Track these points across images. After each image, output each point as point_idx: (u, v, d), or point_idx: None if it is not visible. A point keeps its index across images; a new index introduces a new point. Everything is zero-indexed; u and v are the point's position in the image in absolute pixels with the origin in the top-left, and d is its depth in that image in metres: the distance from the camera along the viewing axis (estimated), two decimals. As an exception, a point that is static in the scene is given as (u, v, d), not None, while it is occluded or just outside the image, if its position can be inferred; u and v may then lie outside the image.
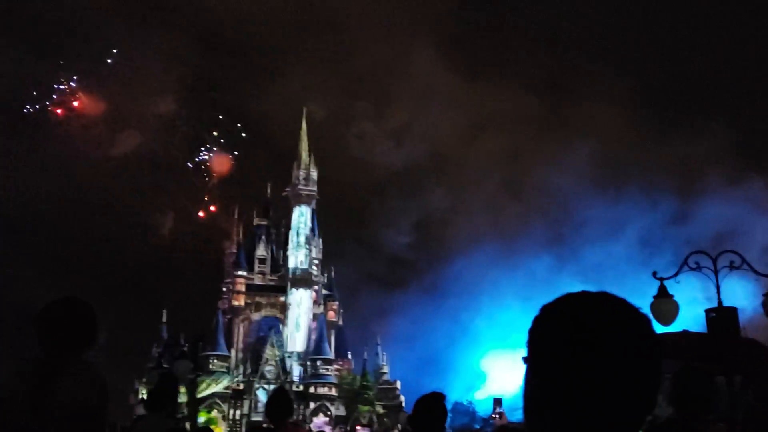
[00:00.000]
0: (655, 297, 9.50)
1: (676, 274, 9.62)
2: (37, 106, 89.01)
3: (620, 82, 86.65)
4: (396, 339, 76.57)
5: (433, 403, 4.82)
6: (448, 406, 4.91)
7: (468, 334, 77.95)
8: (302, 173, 73.44)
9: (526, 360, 1.37)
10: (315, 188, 73.39)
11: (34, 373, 3.48)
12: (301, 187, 72.76)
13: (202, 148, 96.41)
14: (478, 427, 63.78)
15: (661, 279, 9.60)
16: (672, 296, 9.48)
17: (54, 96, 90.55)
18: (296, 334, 68.78)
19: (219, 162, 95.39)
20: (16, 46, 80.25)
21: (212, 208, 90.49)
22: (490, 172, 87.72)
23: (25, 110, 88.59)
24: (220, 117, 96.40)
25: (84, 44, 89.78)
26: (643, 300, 9.55)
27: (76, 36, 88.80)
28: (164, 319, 68.06)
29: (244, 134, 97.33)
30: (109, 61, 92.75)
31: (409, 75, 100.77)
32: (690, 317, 9.72)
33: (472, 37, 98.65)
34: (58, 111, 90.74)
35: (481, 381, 74.25)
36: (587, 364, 1.26)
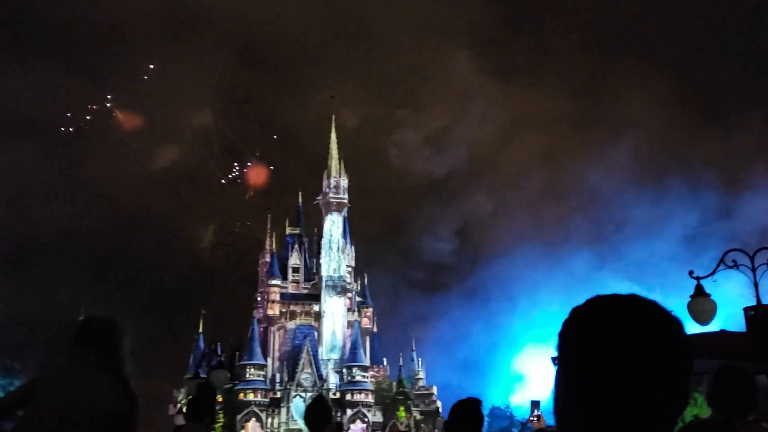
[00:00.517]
0: (691, 296, 9.36)
1: (712, 273, 9.48)
2: (71, 128, 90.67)
3: (658, 78, 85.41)
4: (436, 343, 76.27)
5: (469, 409, 4.83)
6: (485, 411, 4.91)
7: (507, 337, 77.31)
8: (332, 181, 73.62)
9: (555, 360, 1.39)
10: (346, 196, 73.47)
11: (66, 379, 3.63)
12: (331, 195, 72.93)
13: (235, 163, 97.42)
14: (516, 431, 63.28)
15: (698, 278, 9.46)
16: (709, 295, 9.33)
17: (88, 117, 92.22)
18: (331, 341, 68.96)
19: (255, 174, 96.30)
20: (50, 67, 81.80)
21: (248, 223, 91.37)
22: (530, 173, 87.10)
23: (62, 130, 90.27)
24: (255, 129, 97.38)
25: (120, 61, 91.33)
26: (686, 298, 9.42)
27: (112, 53, 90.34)
28: (201, 328, 68.71)
29: (278, 145, 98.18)
30: (145, 77, 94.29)
31: (444, 79, 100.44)
32: (738, 314, 9.52)
33: (506, 39, 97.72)
34: (94, 129, 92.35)
35: (520, 384, 73.57)
36: (616, 365, 1.27)
